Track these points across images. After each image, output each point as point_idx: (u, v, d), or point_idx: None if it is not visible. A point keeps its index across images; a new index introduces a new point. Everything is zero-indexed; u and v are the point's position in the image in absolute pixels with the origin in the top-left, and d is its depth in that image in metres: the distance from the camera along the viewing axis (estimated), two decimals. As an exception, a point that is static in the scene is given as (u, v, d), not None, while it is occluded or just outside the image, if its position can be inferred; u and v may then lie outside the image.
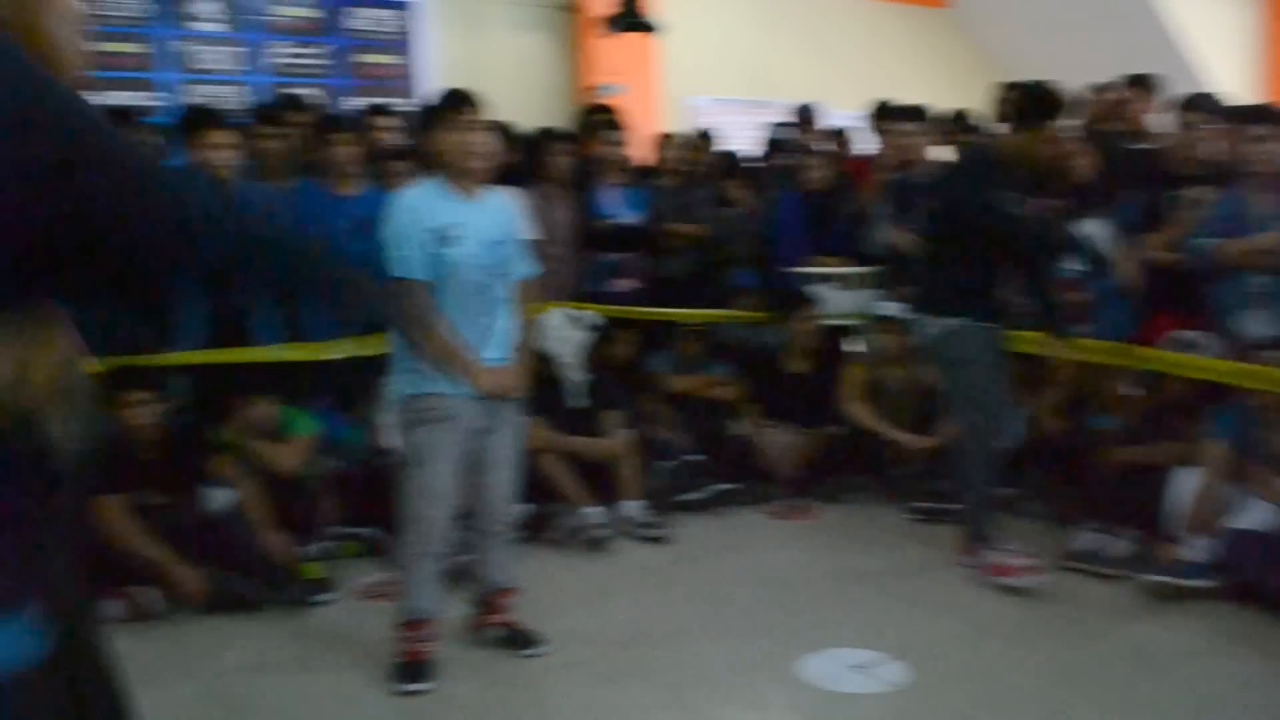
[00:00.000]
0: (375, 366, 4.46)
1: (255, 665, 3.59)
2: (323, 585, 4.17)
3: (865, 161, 6.23)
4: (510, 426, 3.56)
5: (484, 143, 3.41)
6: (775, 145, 6.67)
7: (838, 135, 6.72)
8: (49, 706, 1.34)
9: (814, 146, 6.24)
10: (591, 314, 5.17)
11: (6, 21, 1.20)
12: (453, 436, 3.40)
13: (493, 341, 3.45)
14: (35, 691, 1.31)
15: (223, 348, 4.56)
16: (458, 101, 3.42)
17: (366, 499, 4.60)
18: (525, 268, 3.62)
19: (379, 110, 5.69)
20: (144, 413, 4.16)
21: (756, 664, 3.51)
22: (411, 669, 3.42)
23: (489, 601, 3.68)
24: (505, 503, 3.61)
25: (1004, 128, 4.46)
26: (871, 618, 3.87)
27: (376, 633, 3.76)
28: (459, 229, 3.36)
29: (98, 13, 5.76)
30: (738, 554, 4.62)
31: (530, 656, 3.58)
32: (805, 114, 6.62)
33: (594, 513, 4.74)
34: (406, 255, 3.34)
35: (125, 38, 5.89)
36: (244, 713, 3.25)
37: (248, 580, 4.07)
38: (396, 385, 3.48)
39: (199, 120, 4.60)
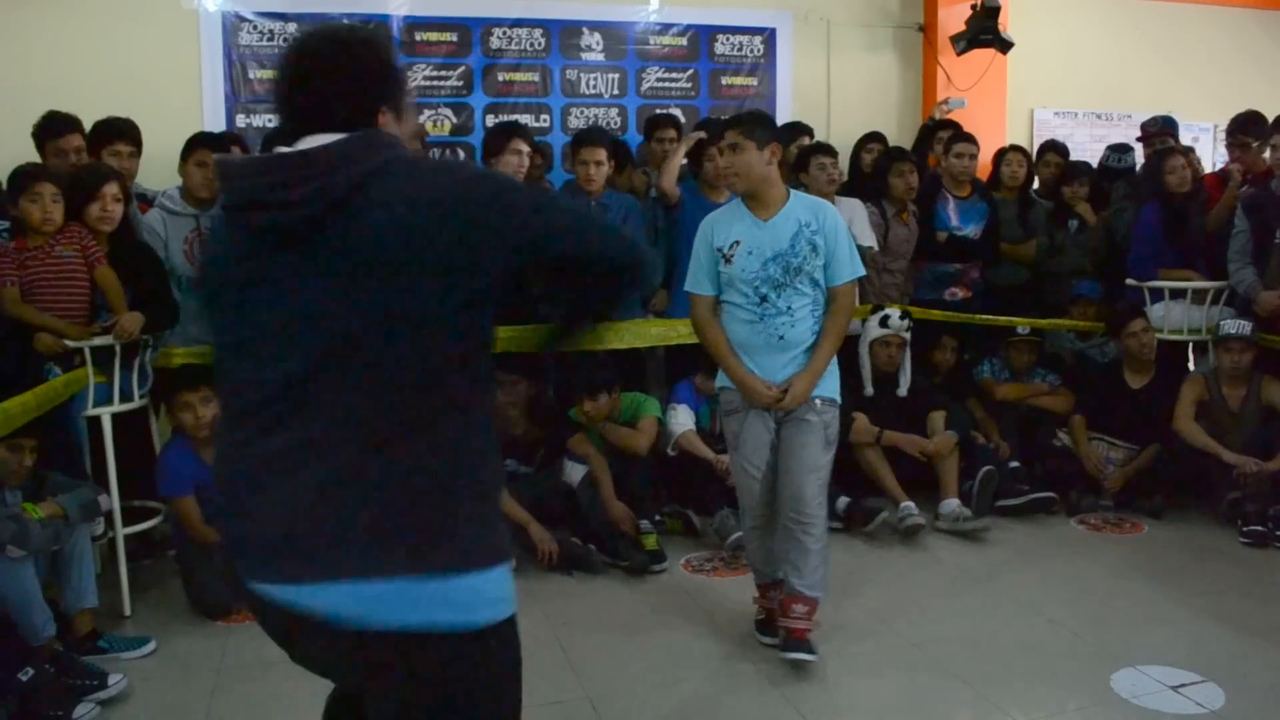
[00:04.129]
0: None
1: (595, 623, 3.79)
2: (659, 557, 4.34)
3: (1216, 177, 5.76)
4: (809, 425, 3.40)
5: (729, 165, 3.43)
6: (1107, 171, 6.25)
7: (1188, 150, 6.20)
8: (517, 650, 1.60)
9: (1175, 148, 5.70)
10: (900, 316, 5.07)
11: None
12: (756, 425, 3.45)
13: (779, 352, 3.40)
14: (516, 634, 1.58)
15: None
16: (721, 128, 3.50)
17: (695, 481, 4.77)
18: (840, 273, 3.41)
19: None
20: (515, 391, 4.56)
21: (1066, 673, 3.34)
22: (766, 625, 3.62)
23: (780, 600, 3.51)
24: (804, 499, 3.35)
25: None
26: (1189, 638, 3.58)
27: (700, 604, 3.93)
28: (738, 247, 3.40)
29: (508, 48, 6.37)
30: (1054, 563, 4.39)
31: (795, 663, 3.34)
32: (1163, 125, 6.14)
33: (911, 506, 4.69)
34: (694, 270, 3.51)
35: (529, 69, 6.43)
36: (579, 667, 3.43)
37: (594, 546, 4.35)
38: (720, 376, 3.58)
39: (583, 139, 5.00)
